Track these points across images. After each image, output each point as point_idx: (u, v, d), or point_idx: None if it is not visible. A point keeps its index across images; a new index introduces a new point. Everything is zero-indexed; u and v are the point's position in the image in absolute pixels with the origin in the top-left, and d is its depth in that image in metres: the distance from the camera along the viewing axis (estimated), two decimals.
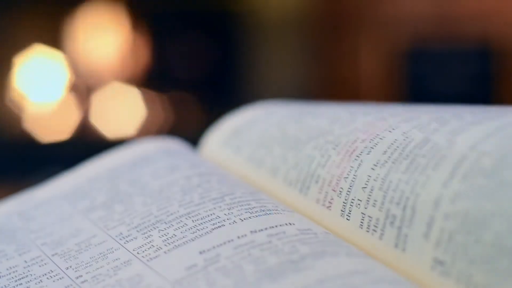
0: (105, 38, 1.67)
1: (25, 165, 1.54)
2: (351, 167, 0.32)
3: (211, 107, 1.66)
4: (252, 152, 0.39)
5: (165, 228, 0.32)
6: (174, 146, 0.43)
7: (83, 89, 1.63)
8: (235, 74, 1.73)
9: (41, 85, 1.63)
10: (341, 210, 0.32)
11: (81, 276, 0.31)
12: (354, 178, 0.32)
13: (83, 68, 1.64)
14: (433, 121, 0.31)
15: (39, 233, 0.36)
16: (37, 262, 0.33)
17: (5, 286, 0.32)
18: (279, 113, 0.42)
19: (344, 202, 0.32)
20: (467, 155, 0.28)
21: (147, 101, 1.66)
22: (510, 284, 0.24)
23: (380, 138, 0.32)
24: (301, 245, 0.29)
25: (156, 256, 0.30)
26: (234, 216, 0.32)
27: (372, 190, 0.31)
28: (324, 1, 1.74)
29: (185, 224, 0.32)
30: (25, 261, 0.33)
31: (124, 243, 0.32)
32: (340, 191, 0.32)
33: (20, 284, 0.32)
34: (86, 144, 1.57)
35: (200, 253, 0.30)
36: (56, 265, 0.32)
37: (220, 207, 0.33)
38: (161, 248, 0.31)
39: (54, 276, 0.32)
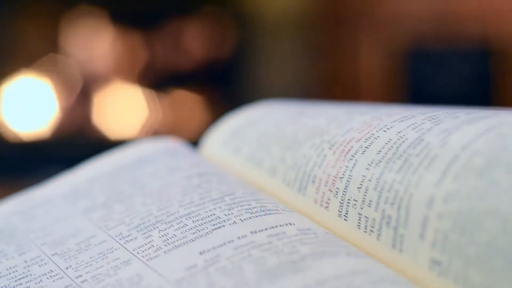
0: (105, 38, 1.67)
1: (26, 165, 1.54)
2: (346, 166, 0.32)
3: (212, 107, 1.66)
4: (251, 152, 0.39)
5: (165, 229, 0.32)
6: (174, 146, 0.43)
7: (83, 89, 1.63)
8: (235, 74, 1.73)
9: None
10: (338, 211, 0.32)
11: (81, 275, 0.31)
12: (349, 178, 0.31)
13: (83, 68, 1.64)
14: (427, 120, 0.31)
15: (39, 233, 0.36)
16: (37, 262, 0.33)
17: (5, 286, 0.32)
18: (278, 112, 0.41)
19: (340, 203, 0.31)
20: (459, 154, 0.28)
21: (148, 101, 1.66)
22: (506, 283, 0.24)
23: (375, 138, 0.32)
24: (301, 246, 0.29)
25: (156, 256, 0.30)
26: (234, 217, 0.32)
27: (367, 190, 0.30)
28: (325, 1, 1.74)
29: (185, 224, 0.32)
30: (25, 261, 0.33)
31: (124, 243, 0.32)
32: (336, 191, 0.32)
33: (20, 284, 0.32)
34: (86, 144, 1.57)
35: (200, 253, 0.30)
36: (56, 265, 0.32)
37: (220, 207, 0.33)
38: (161, 248, 0.31)
39: (54, 276, 0.32)
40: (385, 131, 0.32)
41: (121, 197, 0.37)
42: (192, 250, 0.30)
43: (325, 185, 0.32)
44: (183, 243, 0.31)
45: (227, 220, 0.32)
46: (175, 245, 0.31)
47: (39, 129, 1.63)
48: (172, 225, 0.32)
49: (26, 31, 1.62)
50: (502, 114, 0.30)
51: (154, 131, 1.63)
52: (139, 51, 1.67)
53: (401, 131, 0.31)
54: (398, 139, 0.31)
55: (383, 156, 0.30)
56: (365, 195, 0.30)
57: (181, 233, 0.32)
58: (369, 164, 0.31)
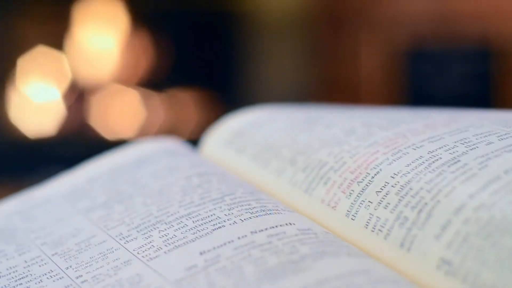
0: (104, 38, 1.67)
1: (25, 165, 1.54)
2: (367, 173, 0.33)
3: (211, 107, 1.66)
4: (257, 152, 0.40)
5: (165, 229, 0.32)
6: (174, 146, 0.43)
7: (83, 89, 1.63)
8: (235, 74, 1.73)
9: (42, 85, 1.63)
10: (347, 211, 0.32)
11: (81, 276, 0.31)
12: (369, 183, 0.32)
13: (83, 68, 1.64)
14: (460, 144, 0.32)
15: (39, 233, 0.36)
16: (37, 262, 0.33)
17: (5, 286, 0.32)
18: (285, 118, 0.43)
19: (352, 203, 0.32)
20: (501, 176, 0.29)
21: (147, 101, 1.66)
22: None
23: (404, 154, 0.33)
24: (301, 245, 0.29)
25: (156, 256, 0.30)
26: (235, 217, 0.32)
27: (387, 194, 0.31)
28: (324, 1, 1.74)
29: (186, 224, 0.32)
30: (25, 261, 0.33)
31: (124, 243, 0.32)
32: (350, 193, 0.33)
33: (20, 284, 0.32)
34: (86, 144, 1.57)
35: (201, 253, 0.30)
36: (56, 265, 0.32)
37: (221, 207, 0.33)
38: (161, 248, 0.31)
39: (54, 276, 0.32)
40: (414, 149, 0.33)
41: (121, 197, 0.37)
42: (192, 250, 0.30)
43: (339, 187, 0.34)
44: (183, 243, 0.31)
45: (227, 220, 0.32)
46: (175, 245, 0.31)
47: (39, 129, 1.63)
48: (172, 225, 0.32)
49: (26, 31, 1.62)
50: None
51: (154, 131, 1.63)
52: (139, 52, 1.67)
53: (433, 151, 0.32)
54: (430, 157, 0.32)
55: (413, 169, 0.32)
56: (383, 198, 0.31)
57: (181, 233, 0.32)
58: (395, 174, 0.32)
